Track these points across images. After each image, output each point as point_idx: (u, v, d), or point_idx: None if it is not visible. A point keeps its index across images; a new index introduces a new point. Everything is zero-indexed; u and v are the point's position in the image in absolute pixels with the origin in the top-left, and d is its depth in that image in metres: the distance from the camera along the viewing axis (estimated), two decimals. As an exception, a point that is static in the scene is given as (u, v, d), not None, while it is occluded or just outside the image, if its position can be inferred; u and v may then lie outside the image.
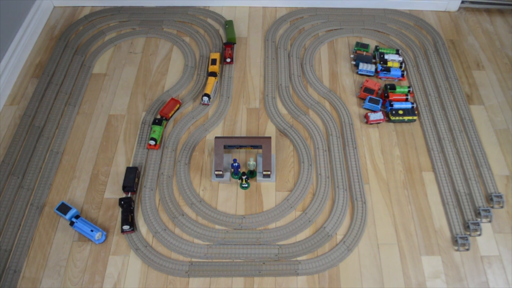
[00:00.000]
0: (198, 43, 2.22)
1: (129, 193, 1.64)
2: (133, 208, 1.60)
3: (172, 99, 1.90)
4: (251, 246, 1.53)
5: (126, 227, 1.53)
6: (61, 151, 1.80)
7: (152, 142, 1.76)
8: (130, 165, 1.75)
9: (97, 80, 2.07)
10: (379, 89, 1.99)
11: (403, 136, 1.85)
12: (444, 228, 1.59)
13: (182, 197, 1.66)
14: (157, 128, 1.80)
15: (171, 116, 1.89)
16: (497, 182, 1.71)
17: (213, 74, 2.01)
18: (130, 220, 1.55)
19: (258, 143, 1.71)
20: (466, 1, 2.38)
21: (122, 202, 1.59)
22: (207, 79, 2.03)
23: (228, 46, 2.14)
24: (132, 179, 1.63)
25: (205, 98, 1.91)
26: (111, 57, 2.17)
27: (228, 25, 2.24)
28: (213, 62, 2.07)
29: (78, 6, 2.44)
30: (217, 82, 2.02)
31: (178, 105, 1.90)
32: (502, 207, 1.63)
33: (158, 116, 1.89)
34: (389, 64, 2.06)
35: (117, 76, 2.08)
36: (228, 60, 2.11)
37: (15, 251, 1.52)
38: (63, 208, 1.58)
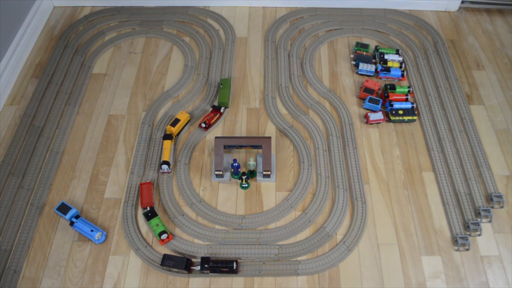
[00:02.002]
0: (198, 43, 2.22)
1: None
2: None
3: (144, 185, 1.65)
4: (251, 246, 1.53)
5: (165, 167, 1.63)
6: (61, 151, 1.80)
7: (164, 236, 1.52)
8: (130, 165, 1.75)
9: (97, 80, 2.07)
10: (379, 89, 1.99)
11: (403, 136, 1.85)
12: (444, 228, 1.59)
13: (182, 197, 1.66)
14: (155, 221, 1.56)
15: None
16: (497, 182, 1.71)
17: (169, 137, 1.75)
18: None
19: (258, 143, 1.71)
20: (466, 1, 2.38)
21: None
22: (162, 143, 1.79)
23: (216, 111, 1.87)
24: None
25: (165, 167, 1.68)
26: (111, 57, 2.17)
27: (223, 84, 1.95)
28: (175, 123, 1.79)
29: (78, 6, 2.44)
30: (174, 145, 1.78)
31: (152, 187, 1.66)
32: (502, 207, 1.63)
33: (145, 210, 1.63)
34: (389, 64, 2.06)
35: (117, 76, 2.08)
36: (203, 125, 1.82)
37: (15, 251, 1.52)
38: (63, 208, 1.58)
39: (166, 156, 1.71)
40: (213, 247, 1.53)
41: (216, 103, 1.94)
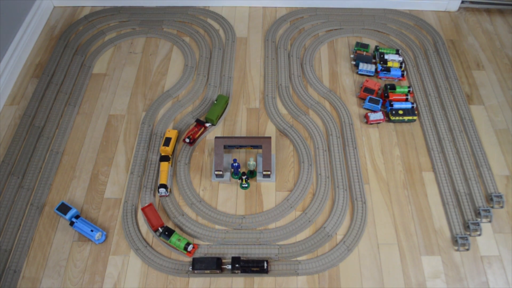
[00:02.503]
0: (198, 43, 2.22)
1: None
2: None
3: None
4: (251, 246, 1.53)
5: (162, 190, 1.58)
6: (61, 151, 1.80)
7: (190, 247, 1.50)
8: (130, 165, 1.75)
9: (97, 80, 2.07)
10: (379, 89, 1.99)
11: (403, 136, 1.85)
12: (444, 228, 1.59)
13: (182, 197, 1.66)
14: (174, 237, 1.51)
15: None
16: (497, 182, 1.71)
17: (166, 158, 1.69)
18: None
19: (258, 143, 1.71)
20: (466, 1, 2.38)
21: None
22: (158, 165, 1.72)
23: (200, 125, 1.79)
24: None
25: (162, 190, 1.62)
26: (111, 57, 2.17)
27: (218, 101, 1.86)
28: (167, 142, 1.72)
29: (78, 6, 2.44)
30: (171, 167, 1.71)
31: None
32: (502, 207, 1.63)
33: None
34: (389, 64, 2.06)
35: (117, 76, 2.08)
36: (187, 140, 1.75)
37: (15, 251, 1.52)
38: (63, 208, 1.58)
39: (163, 179, 1.63)
40: (213, 247, 1.53)
41: (202, 118, 1.82)
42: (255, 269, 1.44)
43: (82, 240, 1.55)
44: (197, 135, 1.77)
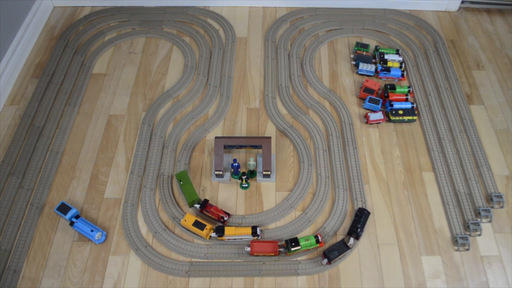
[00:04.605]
0: (198, 43, 2.22)
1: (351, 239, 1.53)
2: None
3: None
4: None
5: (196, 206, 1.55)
6: (61, 151, 1.80)
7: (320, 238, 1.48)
8: (130, 165, 1.74)
9: (97, 80, 2.07)
10: (379, 89, 1.99)
11: (403, 136, 1.85)
12: (444, 228, 1.59)
13: (182, 197, 1.66)
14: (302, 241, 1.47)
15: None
16: (497, 182, 1.71)
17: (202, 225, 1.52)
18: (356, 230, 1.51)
19: (258, 143, 1.71)
20: (466, 1, 2.38)
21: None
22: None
23: (205, 207, 1.58)
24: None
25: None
26: (111, 57, 2.17)
27: (182, 180, 1.63)
28: (201, 226, 1.53)
29: (78, 6, 2.44)
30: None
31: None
32: (502, 207, 1.63)
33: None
34: (389, 64, 2.06)
35: (117, 76, 2.08)
36: (222, 222, 1.58)
37: (15, 251, 1.52)
38: (63, 208, 1.58)
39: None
40: (213, 247, 1.53)
41: (188, 201, 1.60)
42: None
43: (82, 240, 1.55)
44: (211, 211, 1.57)
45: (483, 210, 1.60)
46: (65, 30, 2.29)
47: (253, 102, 1.98)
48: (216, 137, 1.71)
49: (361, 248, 1.54)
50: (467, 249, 1.52)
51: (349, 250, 1.51)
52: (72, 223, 1.55)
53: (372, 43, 2.23)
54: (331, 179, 1.71)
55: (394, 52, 2.10)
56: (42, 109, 1.93)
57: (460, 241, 1.53)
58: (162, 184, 1.69)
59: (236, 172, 1.70)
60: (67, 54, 2.16)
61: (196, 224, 1.52)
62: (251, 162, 1.65)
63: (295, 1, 2.38)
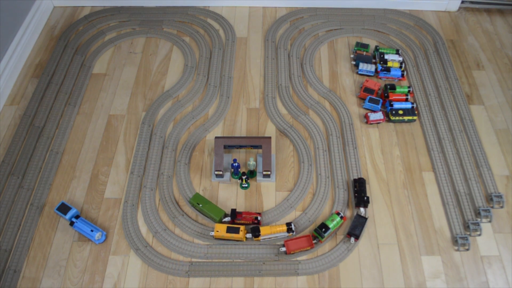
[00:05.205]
0: (198, 43, 2.22)
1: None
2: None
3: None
4: (251, 246, 1.53)
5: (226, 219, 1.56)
6: (61, 151, 1.80)
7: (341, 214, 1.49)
8: (130, 165, 1.75)
9: (97, 80, 2.07)
10: (379, 89, 1.99)
11: (403, 136, 1.85)
12: (444, 228, 1.59)
13: (182, 197, 1.66)
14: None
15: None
16: (497, 182, 1.71)
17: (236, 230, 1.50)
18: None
19: (258, 143, 1.71)
20: (466, 1, 2.38)
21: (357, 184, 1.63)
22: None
23: (233, 221, 1.57)
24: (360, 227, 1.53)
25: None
26: (111, 57, 2.17)
27: (200, 202, 1.59)
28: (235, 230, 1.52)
29: (78, 6, 2.44)
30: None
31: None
32: (502, 207, 1.63)
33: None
34: (389, 64, 2.06)
35: (117, 76, 2.08)
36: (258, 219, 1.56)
37: (15, 251, 1.52)
38: (63, 208, 1.58)
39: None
40: (213, 247, 1.53)
41: (215, 220, 1.58)
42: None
43: (82, 240, 1.55)
44: (243, 217, 1.56)
45: (483, 210, 1.60)
46: (65, 30, 2.29)
47: (253, 102, 1.98)
48: (216, 137, 1.71)
49: (361, 248, 1.54)
50: (467, 249, 1.52)
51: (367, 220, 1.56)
52: (72, 223, 1.55)
53: (372, 43, 2.23)
54: (331, 179, 1.71)
55: (394, 52, 2.10)
56: (42, 109, 1.93)
57: (460, 241, 1.53)
58: (162, 184, 1.69)
59: (236, 172, 1.70)
60: (67, 54, 2.16)
61: (230, 230, 1.51)
62: (251, 162, 1.65)
63: (295, 1, 2.38)
